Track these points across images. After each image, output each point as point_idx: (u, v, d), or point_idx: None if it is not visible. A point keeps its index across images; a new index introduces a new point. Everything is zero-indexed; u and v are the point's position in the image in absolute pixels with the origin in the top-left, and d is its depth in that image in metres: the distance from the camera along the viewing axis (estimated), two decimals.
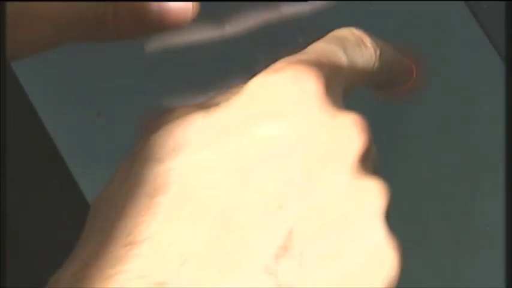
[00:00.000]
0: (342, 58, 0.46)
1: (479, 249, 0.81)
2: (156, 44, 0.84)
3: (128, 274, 0.39)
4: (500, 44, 0.84)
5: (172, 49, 0.84)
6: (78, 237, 0.80)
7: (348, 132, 0.42)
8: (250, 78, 0.44)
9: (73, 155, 0.82)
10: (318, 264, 0.40)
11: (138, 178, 0.42)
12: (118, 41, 0.52)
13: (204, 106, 0.44)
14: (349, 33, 0.48)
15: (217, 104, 0.44)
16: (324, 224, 0.40)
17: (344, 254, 0.40)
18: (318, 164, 0.41)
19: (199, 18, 0.78)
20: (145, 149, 0.43)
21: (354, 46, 0.47)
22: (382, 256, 0.40)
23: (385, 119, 0.84)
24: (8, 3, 0.47)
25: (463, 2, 0.85)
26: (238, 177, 0.41)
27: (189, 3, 0.50)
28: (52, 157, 0.82)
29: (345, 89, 0.46)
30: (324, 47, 0.46)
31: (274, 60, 0.45)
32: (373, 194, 0.41)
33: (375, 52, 0.48)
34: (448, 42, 0.85)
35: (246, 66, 0.84)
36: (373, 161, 0.43)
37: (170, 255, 0.39)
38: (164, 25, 0.50)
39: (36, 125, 0.83)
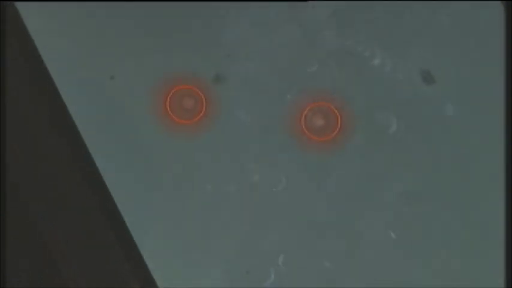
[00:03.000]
0: None
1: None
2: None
3: None
4: None
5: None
6: (84, 201, 0.78)
7: None
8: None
9: (85, 118, 0.80)
10: None
11: None
12: None
13: None
14: None
15: None
16: None
17: None
18: None
19: None
20: None
21: None
22: None
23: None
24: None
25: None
26: None
27: None
28: (64, 121, 0.80)
29: None
30: None
31: None
32: None
33: None
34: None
35: (256, 25, 0.83)
36: None
37: None
38: None
39: (49, 87, 0.80)
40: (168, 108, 0.81)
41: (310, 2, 0.83)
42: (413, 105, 0.83)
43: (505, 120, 0.83)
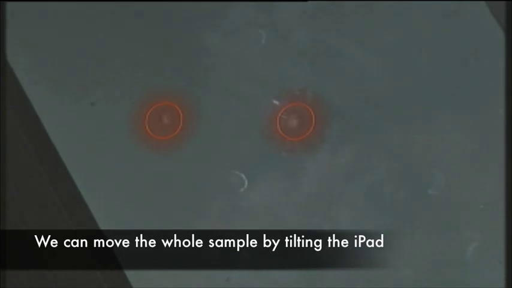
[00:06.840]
0: None
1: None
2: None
3: None
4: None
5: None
6: (70, 226, 0.80)
7: None
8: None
9: (66, 144, 0.82)
10: None
11: None
12: None
13: None
14: None
15: None
16: None
17: None
18: None
19: None
20: None
21: None
22: None
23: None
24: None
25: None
26: None
27: None
28: (45, 146, 0.83)
29: None
30: None
31: None
32: None
33: None
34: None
35: (229, 33, 0.83)
36: None
37: None
38: None
39: (30, 114, 0.83)
40: (147, 127, 0.82)
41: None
42: (390, 98, 0.81)
43: (505, 120, 0.79)
